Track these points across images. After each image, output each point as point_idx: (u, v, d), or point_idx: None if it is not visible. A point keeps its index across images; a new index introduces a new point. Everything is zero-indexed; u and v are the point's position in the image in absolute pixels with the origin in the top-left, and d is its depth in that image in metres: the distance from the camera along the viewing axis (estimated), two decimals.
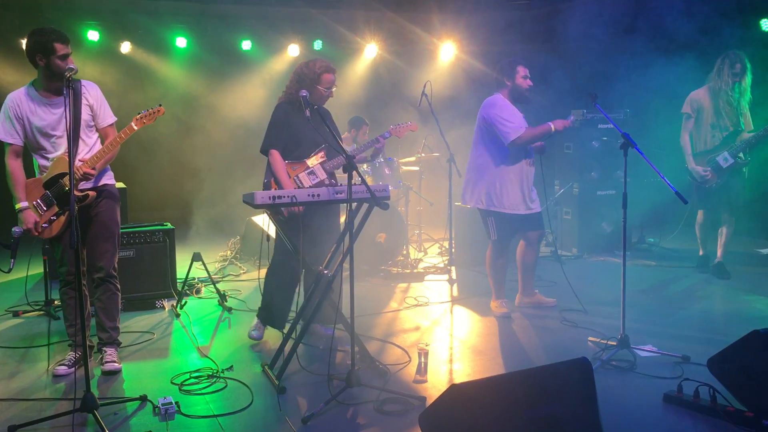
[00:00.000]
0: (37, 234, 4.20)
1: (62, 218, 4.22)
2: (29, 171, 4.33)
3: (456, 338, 5.06)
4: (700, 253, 6.97)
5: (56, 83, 4.17)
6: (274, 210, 4.19)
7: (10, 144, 4.24)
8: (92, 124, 4.34)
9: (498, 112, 5.27)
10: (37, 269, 6.38)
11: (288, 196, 3.96)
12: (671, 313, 5.55)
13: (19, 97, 4.22)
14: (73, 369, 4.34)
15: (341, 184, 4.20)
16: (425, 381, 4.19)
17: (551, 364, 3.18)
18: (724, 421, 3.50)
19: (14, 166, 4.26)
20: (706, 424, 3.52)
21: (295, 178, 4.67)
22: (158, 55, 9.91)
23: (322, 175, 4.72)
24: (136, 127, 4.14)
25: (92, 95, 4.31)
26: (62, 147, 4.24)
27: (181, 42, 9.77)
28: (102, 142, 4.36)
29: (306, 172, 4.69)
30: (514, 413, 2.95)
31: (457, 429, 2.92)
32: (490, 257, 5.62)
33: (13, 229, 4.13)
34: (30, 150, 4.31)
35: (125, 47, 9.60)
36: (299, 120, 4.67)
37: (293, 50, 10.19)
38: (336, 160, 4.75)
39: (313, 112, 4.22)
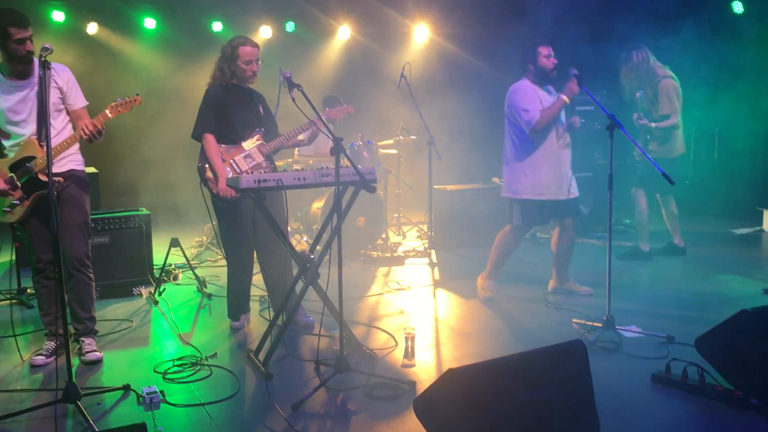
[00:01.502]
0: (5, 194, 4.04)
1: (26, 203, 4.08)
2: None
3: (441, 321, 5.04)
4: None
5: (18, 66, 4.04)
6: (215, 198, 4.15)
7: None
8: (61, 107, 4.19)
9: (517, 102, 5.18)
10: (6, 257, 6.19)
11: (274, 180, 3.88)
12: (651, 293, 5.60)
13: None
14: (51, 359, 4.22)
15: (326, 166, 4.12)
16: (413, 365, 4.16)
17: (546, 347, 3.15)
18: (713, 401, 3.53)
19: None
20: (694, 404, 3.55)
21: (231, 162, 4.55)
22: (126, 36, 9.67)
23: (259, 158, 4.61)
24: (110, 115, 4.00)
25: (62, 77, 4.16)
26: (28, 129, 4.10)
27: (149, 23, 9.54)
28: (74, 127, 4.21)
29: (242, 155, 4.58)
30: (510, 396, 2.93)
31: (453, 413, 2.89)
32: (501, 238, 5.49)
33: None
34: None
35: (92, 28, 9.34)
36: (232, 102, 4.60)
37: (265, 32, 10.00)
38: (273, 143, 4.65)
39: (256, 97, 4.16)
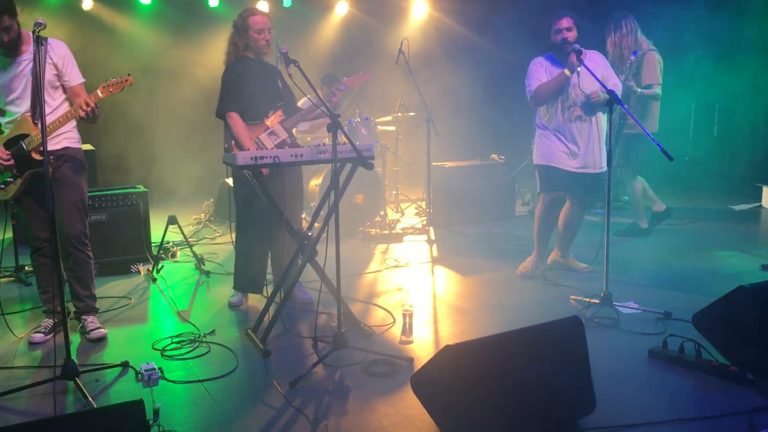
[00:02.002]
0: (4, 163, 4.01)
1: (19, 181, 4.05)
2: None
3: (439, 298, 5.04)
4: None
5: (7, 45, 3.97)
6: (255, 172, 4.08)
7: None
8: (57, 84, 4.13)
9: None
10: (5, 234, 6.17)
11: (270, 156, 3.85)
12: (649, 270, 5.60)
13: None
14: (50, 336, 4.23)
15: (323, 144, 4.09)
16: (411, 342, 4.17)
17: (543, 323, 3.16)
18: (710, 376, 3.54)
19: None
20: (691, 379, 3.56)
21: (257, 140, 4.50)
22: (122, 11, 9.56)
23: (284, 135, 4.56)
24: (101, 95, 3.92)
25: (57, 54, 4.09)
26: (23, 106, 4.05)
27: None
28: (71, 103, 4.17)
29: (267, 132, 4.54)
30: (506, 373, 2.94)
31: (450, 390, 2.90)
32: (537, 210, 5.50)
33: None
34: None
35: (87, 3, 9.24)
36: (253, 78, 4.53)
37: (262, 7, 9.89)
38: (294, 117, 4.58)
39: (274, 71, 4.11)
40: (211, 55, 9.54)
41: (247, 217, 4.70)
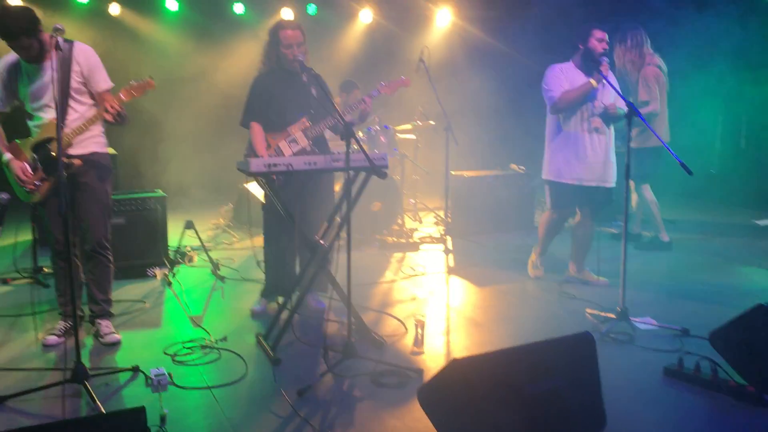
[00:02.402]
0: (25, 184, 4.07)
1: (47, 183, 4.10)
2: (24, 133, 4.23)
3: (453, 309, 5.00)
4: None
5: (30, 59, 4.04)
6: (268, 178, 4.08)
7: None
8: (84, 90, 4.15)
9: (543, 82, 5.18)
10: (27, 236, 6.27)
11: (284, 164, 3.85)
12: (668, 285, 5.51)
13: (7, 63, 4.10)
14: (64, 338, 4.26)
15: (338, 152, 4.08)
16: (422, 353, 4.13)
17: (553, 339, 3.11)
18: (725, 395, 3.46)
19: None
20: (707, 398, 3.48)
21: (276, 147, 4.51)
22: (148, 17, 9.68)
23: (304, 143, 4.53)
24: (125, 98, 3.97)
25: (83, 59, 4.12)
26: (51, 113, 4.08)
27: (172, 4, 9.54)
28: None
29: (287, 140, 4.53)
30: (515, 388, 2.89)
31: (456, 404, 2.86)
32: (541, 220, 5.56)
33: None
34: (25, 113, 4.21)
35: (114, 9, 9.37)
36: (281, 89, 4.54)
37: (287, 14, 9.95)
38: (320, 125, 4.55)
39: (309, 78, 4.08)
40: (233, 61, 9.63)
41: (277, 223, 4.70)
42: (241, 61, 9.65)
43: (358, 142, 3.65)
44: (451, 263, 6.26)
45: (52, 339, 4.25)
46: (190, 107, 9.49)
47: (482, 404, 2.81)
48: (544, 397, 2.93)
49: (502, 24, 10.21)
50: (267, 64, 4.64)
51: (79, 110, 4.13)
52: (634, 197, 6.75)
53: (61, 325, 4.36)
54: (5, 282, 5.58)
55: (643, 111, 6.26)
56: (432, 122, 7.78)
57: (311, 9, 10.06)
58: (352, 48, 10.53)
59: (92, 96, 4.19)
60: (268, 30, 4.63)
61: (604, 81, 4.94)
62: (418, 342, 4.22)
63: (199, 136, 9.38)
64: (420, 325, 4.27)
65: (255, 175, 3.87)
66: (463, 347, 4.24)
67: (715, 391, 3.51)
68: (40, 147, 4.09)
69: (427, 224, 7.93)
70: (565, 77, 5.12)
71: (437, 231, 7.44)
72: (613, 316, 4.46)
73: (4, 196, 3.98)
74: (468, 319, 4.76)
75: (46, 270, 5.65)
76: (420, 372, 3.78)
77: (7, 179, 4.20)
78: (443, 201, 7.16)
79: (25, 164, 4.08)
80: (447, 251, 6.55)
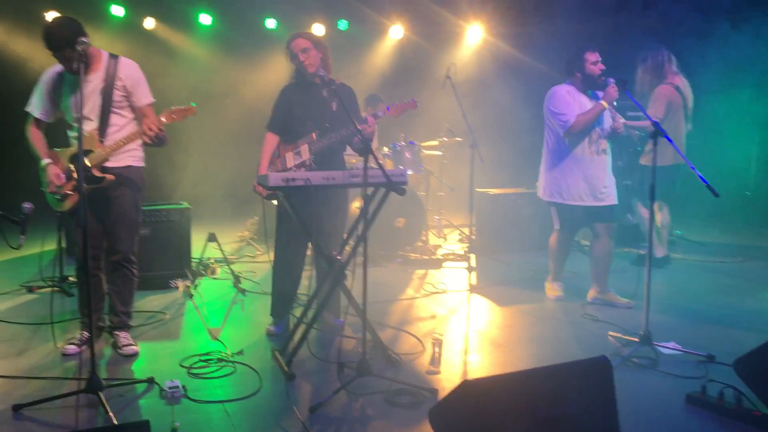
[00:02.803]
0: (56, 191, 4.13)
1: (77, 194, 4.14)
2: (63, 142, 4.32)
3: (473, 328, 4.93)
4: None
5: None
6: (286, 194, 4.07)
7: (36, 117, 4.24)
8: (125, 104, 4.23)
9: (551, 106, 5.20)
10: (53, 245, 6.35)
11: (302, 179, 3.84)
12: (696, 309, 5.37)
13: (52, 73, 4.20)
14: (83, 348, 4.29)
15: (357, 167, 4.07)
16: (438, 372, 4.07)
17: (568, 362, 3.04)
18: (749, 426, 3.34)
19: (34, 131, 4.27)
20: (730, 428, 3.36)
21: (283, 157, 4.59)
22: (182, 31, 9.85)
23: (306, 156, 4.54)
24: (165, 121, 4.05)
25: (127, 74, 4.20)
26: (91, 125, 4.15)
27: (205, 19, 9.69)
28: (139, 123, 4.26)
29: (294, 152, 4.57)
30: (527, 412, 2.82)
31: (467, 426, 2.80)
32: (551, 243, 5.58)
33: (23, 205, 4.07)
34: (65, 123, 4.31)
35: (149, 23, 9.54)
36: (300, 100, 4.58)
37: (318, 29, 10.04)
38: (325, 139, 4.52)
39: (330, 93, 4.09)
40: (262, 75, 9.73)
41: (278, 242, 4.72)
42: (269, 75, 9.76)
43: (375, 158, 3.63)
44: (474, 281, 6.19)
45: (71, 348, 4.29)
46: (218, 120, 9.60)
47: (493, 427, 2.75)
48: (557, 422, 2.86)
49: (533, 40, 10.14)
50: (293, 78, 4.70)
51: (119, 123, 4.20)
52: (658, 217, 6.63)
53: (81, 334, 4.39)
54: (30, 290, 5.66)
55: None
56: (459, 139, 7.74)
57: (342, 24, 10.13)
58: (381, 63, 10.57)
59: (133, 110, 4.26)
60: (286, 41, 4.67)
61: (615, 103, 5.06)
62: (435, 361, 4.17)
63: (226, 149, 9.46)
64: (437, 343, 4.22)
65: (272, 189, 3.87)
66: (480, 368, 4.17)
67: (738, 421, 3.39)
68: (77, 158, 4.15)
69: (451, 241, 7.87)
70: (572, 99, 5.14)
71: (461, 248, 7.38)
72: (636, 339, 4.35)
73: (28, 206, 4.02)
74: (487, 339, 4.69)
75: (71, 279, 5.73)
76: (435, 392, 3.72)
77: (39, 185, 4.27)
78: (468, 218, 7.13)
79: (60, 172, 4.15)
80: (470, 269, 6.48)
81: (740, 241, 8.01)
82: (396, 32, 10.41)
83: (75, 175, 4.13)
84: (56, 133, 4.37)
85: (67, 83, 4.18)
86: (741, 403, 3.44)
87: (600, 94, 5.16)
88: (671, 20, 8.09)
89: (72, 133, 4.26)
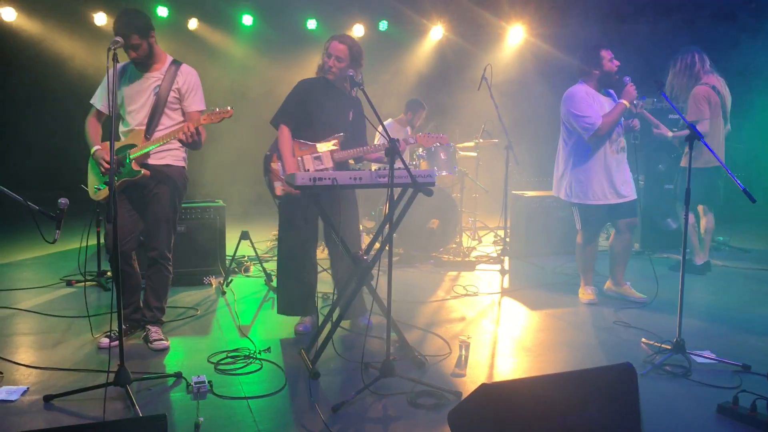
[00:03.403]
0: (105, 171, 4.26)
1: (115, 186, 4.27)
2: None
3: (502, 332, 4.88)
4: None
5: (137, 61, 4.32)
6: (309, 192, 4.07)
7: (98, 109, 4.44)
8: (176, 106, 4.40)
9: (573, 108, 5.17)
10: (93, 240, 6.50)
11: (329, 178, 3.86)
12: (734, 317, 5.22)
13: (119, 66, 4.31)
14: (116, 341, 4.37)
15: (384, 167, 4.06)
16: (464, 375, 4.04)
17: (590, 369, 2.98)
18: None
19: (92, 121, 4.46)
20: None
21: (300, 158, 4.53)
22: (224, 31, 10.00)
23: (329, 164, 4.52)
24: (202, 122, 4.18)
25: (183, 80, 4.39)
26: (137, 119, 4.33)
27: (247, 20, 9.81)
28: None
29: (312, 155, 4.54)
30: (546, 418, 2.78)
31: (485, 430, 2.78)
32: (577, 245, 5.58)
33: (59, 201, 4.17)
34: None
35: (192, 24, 9.71)
36: (321, 98, 4.56)
37: (358, 30, 10.08)
38: (348, 151, 4.53)
39: (354, 100, 4.09)
40: (301, 74, 9.65)
41: (281, 239, 4.73)
42: (310, 75, 9.81)
43: (402, 160, 3.62)
44: (506, 284, 6.14)
45: (105, 342, 4.38)
46: (260, 120, 9.65)
47: None
48: (577, 429, 2.81)
49: (575, 40, 9.99)
50: (318, 71, 4.68)
51: (167, 124, 4.37)
52: (702, 222, 6.48)
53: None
54: (70, 284, 5.81)
55: (682, 133, 6.19)
56: (495, 140, 7.68)
57: (382, 25, 10.15)
58: (421, 64, 10.56)
59: (183, 115, 4.42)
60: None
61: (635, 102, 5.11)
62: (461, 364, 4.14)
63: (264, 147, 9.52)
64: (465, 346, 4.19)
65: (299, 189, 3.88)
66: (506, 372, 4.12)
67: None
68: (121, 151, 4.32)
69: (485, 243, 7.81)
70: (593, 100, 5.14)
71: (495, 251, 7.32)
72: (668, 347, 4.25)
73: (63, 201, 4.12)
74: (516, 343, 4.64)
75: (109, 274, 5.85)
76: (459, 395, 3.69)
77: (85, 174, 4.43)
78: (502, 220, 7.07)
79: (106, 157, 4.27)
80: (503, 272, 6.43)
81: None
82: (436, 33, 10.39)
83: (117, 166, 4.27)
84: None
85: (129, 75, 4.37)
86: None
87: (611, 92, 5.23)
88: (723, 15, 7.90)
89: (122, 128, 4.42)
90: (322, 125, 4.56)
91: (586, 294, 5.56)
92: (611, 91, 5.25)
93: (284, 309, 4.76)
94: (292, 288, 4.71)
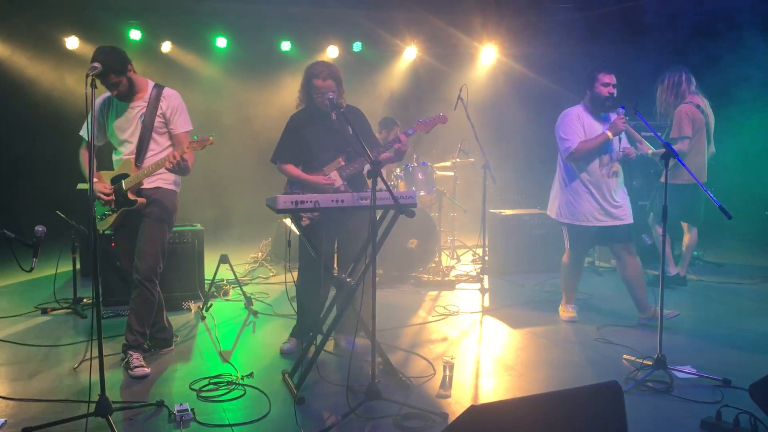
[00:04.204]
0: (105, 201, 4.30)
1: (115, 215, 4.35)
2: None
3: (485, 351, 4.89)
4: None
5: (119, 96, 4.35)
6: (296, 216, 4.08)
7: (87, 140, 4.43)
8: (163, 130, 4.43)
9: (559, 129, 5.27)
10: (67, 267, 6.40)
11: (310, 201, 3.85)
12: (712, 331, 5.29)
13: (101, 99, 4.44)
14: (148, 369, 4.34)
15: (367, 189, 4.07)
16: (449, 396, 4.03)
17: (578, 388, 2.98)
18: None
19: (85, 153, 4.48)
20: None
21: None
22: (198, 54, 9.96)
23: (338, 182, 4.54)
24: (187, 152, 4.20)
25: (167, 104, 4.41)
26: (128, 148, 4.38)
27: (221, 42, 9.80)
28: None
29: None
30: None
31: None
32: (563, 263, 5.58)
33: (35, 228, 4.11)
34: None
35: (166, 47, 9.67)
36: (314, 128, 4.57)
37: (332, 51, 10.12)
38: (356, 163, 4.56)
39: (339, 116, 4.09)
40: (276, 97, 9.80)
41: (302, 264, 4.72)
42: (285, 97, 9.80)
43: (384, 181, 3.62)
44: (486, 303, 6.15)
45: (140, 371, 4.30)
46: (235, 142, 9.65)
47: None
48: None
49: (548, 60, 10.15)
50: (303, 102, 4.67)
51: (156, 149, 4.40)
52: (686, 238, 6.61)
53: (139, 355, 4.44)
54: (45, 312, 5.70)
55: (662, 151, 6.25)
56: (471, 160, 7.74)
57: (356, 46, 10.20)
58: (395, 85, 10.62)
59: (170, 137, 4.46)
60: (305, 69, 4.65)
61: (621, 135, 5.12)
62: (446, 384, 4.14)
63: (242, 170, 9.51)
64: (449, 366, 4.19)
65: (281, 213, 3.87)
66: (491, 391, 4.12)
67: None
68: (116, 180, 4.36)
69: (464, 262, 7.84)
70: (581, 124, 5.19)
71: (474, 270, 7.34)
72: (650, 363, 4.29)
73: (40, 229, 4.06)
74: (499, 362, 4.65)
75: (85, 300, 5.76)
76: (445, 416, 3.68)
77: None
78: (480, 239, 7.10)
79: (105, 187, 4.35)
80: (483, 290, 6.45)
81: (761, 262, 7.89)
82: (410, 54, 10.47)
83: (114, 196, 4.34)
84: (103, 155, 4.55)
85: (114, 108, 4.41)
86: (756, 429, 3.37)
87: (611, 116, 5.17)
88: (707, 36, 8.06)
89: (115, 156, 4.46)
90: (320, 152, 4.58)
91: (566, 311, 5.59)
92: (611, 116, 5.19)
93: (296, 332, 4.80)
94: (312, 310, 4.67)
